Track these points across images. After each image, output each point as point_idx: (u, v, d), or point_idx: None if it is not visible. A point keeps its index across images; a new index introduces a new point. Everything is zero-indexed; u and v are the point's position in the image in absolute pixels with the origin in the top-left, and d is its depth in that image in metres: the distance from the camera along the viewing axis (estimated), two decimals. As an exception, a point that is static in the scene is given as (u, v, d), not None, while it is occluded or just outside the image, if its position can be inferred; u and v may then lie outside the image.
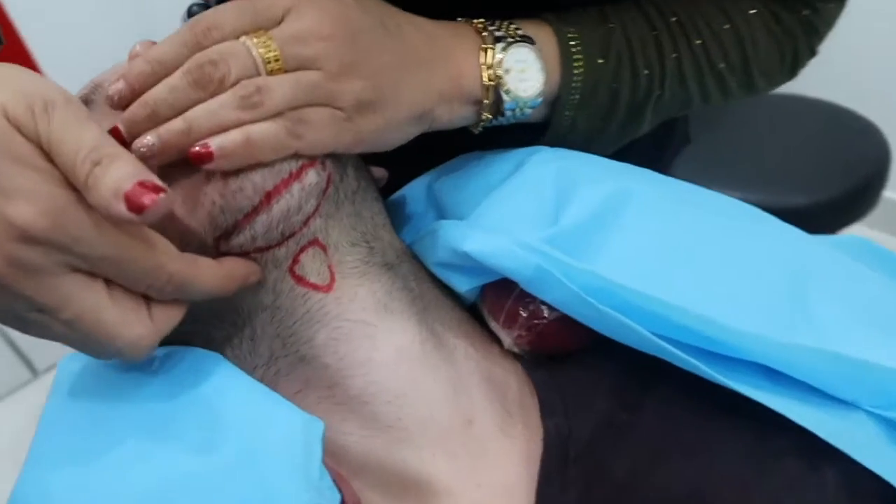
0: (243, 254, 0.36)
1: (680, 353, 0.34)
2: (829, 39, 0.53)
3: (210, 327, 0.38)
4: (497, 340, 0.42)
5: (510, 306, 0.39)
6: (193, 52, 0.34)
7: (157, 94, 0.33)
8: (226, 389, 0.35)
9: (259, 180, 0.34)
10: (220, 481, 0.31)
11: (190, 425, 0.33)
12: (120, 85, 0.34)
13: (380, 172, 0.48)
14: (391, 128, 0.38)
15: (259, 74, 0.34)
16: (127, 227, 0.30)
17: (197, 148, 0.33)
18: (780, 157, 1.36)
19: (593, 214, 0.38)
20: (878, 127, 1.36)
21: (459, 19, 0.43)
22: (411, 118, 0.38)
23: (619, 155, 0.46)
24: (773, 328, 0.35)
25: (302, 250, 0.37)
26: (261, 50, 0.34)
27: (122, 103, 0.34)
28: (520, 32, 0.42)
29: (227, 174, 0.34)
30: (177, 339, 0.39)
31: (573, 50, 0.43)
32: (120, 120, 0.33)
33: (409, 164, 0.48)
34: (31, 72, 0.31)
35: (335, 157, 0.38)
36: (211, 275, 0.33)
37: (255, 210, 0.34)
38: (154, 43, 0.37)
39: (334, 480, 0.31)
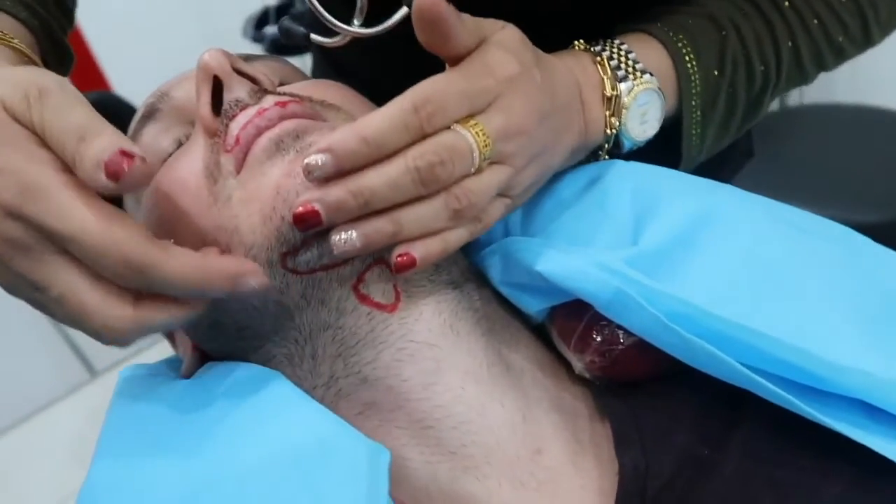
0: (310, 272, 0.34)
1: (771, 386, 0.32)
2: None
3: (270, 344, 0.37)
4: (566, 364, 0.39)
5: (582, 330, 0.37)
6: (415, 138, 0.32)
7: (376, 186, 0.31)
8: (286, 410, 0.33)
9: None
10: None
11: (249, 444, 0.32)
12: (324, 158, 0.31)
13: None
14: (531, 193, 0.39)
15: (472, 171, 0.33)
16: (99, 211, 0.29)
17: (401, 258, 0.33)
18: (849, 171, 1.30)
19: (677, 234, 0.36)
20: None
21: (577, 44, 0.43)
22: (546, 177, 0.39)
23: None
24: (874, 362, 0.32)
25: (367, 269, 0.35)
26: (482, 149, 0.32)
27: (321, 177, 0.32)
28: (639, 66, 0.41)
29: (304, 192, 0.33)
30: (237, 355, 0.39)
31: (689, 70, 0.42)
32: (319, 202, 0.31)
33: None
34: (32, 67, 0.32)
35: None
36: (180, 265, 0.30)
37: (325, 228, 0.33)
38: (223, 52, 0.37)
39: None
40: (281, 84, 0.42)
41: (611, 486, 0.34)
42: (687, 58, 0.42)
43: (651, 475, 0.34)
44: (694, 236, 0.36)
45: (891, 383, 0.31)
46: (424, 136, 0.32)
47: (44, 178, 0.29)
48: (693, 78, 0.43)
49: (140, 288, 0.30)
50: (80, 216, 0.28)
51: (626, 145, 0.42)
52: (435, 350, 0.36)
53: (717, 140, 0.46)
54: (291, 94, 0.38)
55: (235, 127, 0.35)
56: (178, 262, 0.30)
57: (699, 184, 0.40)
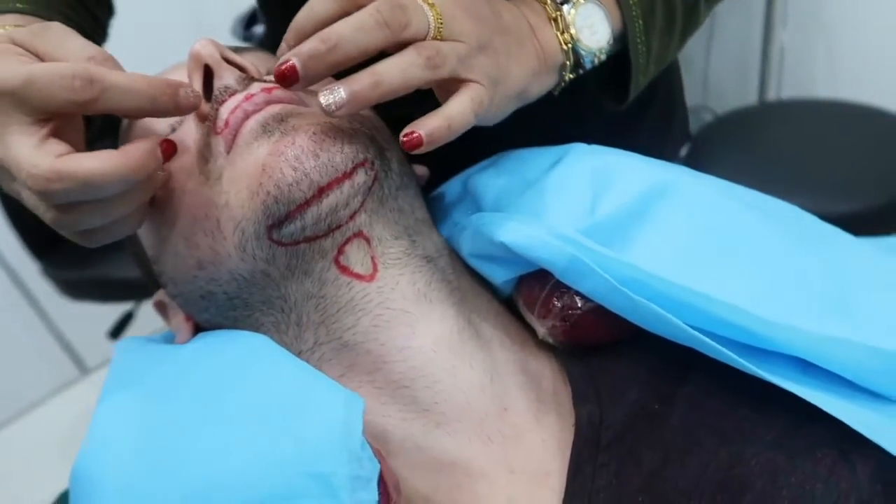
0: (294, 243, 0.37)
1: (714, 343, 0.35)
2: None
3: (258, 314, 0.40)
4: (532, 332, 0.43)
5: (545, 297, 0.40)
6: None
7: (342, 29, 0.33)
8: (272, 365, 0.36)
9: (316, 177, 0.36)
10: (262, 446, 0.32)
11: (237, 390, 0.35)
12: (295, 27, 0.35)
13: (421, 170, 0.50)
14: (500, 105, 0.40)
15: (429, 35, 0.35)
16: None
17: (408, 137, 0.35)
18: (825, 163, 1.34)
19: (630, 206, 0.39)
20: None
21: None
22: (514, 95, 0.41)
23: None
24: (809, 321, 0.35)
25: (347, 242, 0.39)
26: (436, 18, 0.36)
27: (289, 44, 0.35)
28: None
29: (287, 169, 0.36)
30: (228, 324, 0.42)
31: None
32: (295, 54, 0.33)
33: (449, 163, 0.49)
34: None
35: (382, 157, 0.40)
36: (129, 75, 0.33)
37: (307, 203, 0.36)
38: (213, 42, 0.40)
39: (374, 453, 0.32)
40: (268, 74, 0.45)
41: (569, 438, 0.37)
42: None
43: (605, 426, 0.37)
44: (646, 208, 0.39)
45: (821, 339, 0.34)
46: None
47: (26, 68, 0.32)
48: None
49: (92, 103, 0.32)
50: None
51: (587, 59, 0.44)
52: (409, 316, 0.39)
53: (662, 48, 0.49)
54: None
55: (225, 111, 0.38)
56: (126, 74, 0.33)
57: (654, 163, 0.43)
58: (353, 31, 0.34)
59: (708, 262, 0.38)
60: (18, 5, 0.45)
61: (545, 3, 0.44)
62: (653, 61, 0.49)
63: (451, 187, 0.51)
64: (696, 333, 0.35)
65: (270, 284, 0.39)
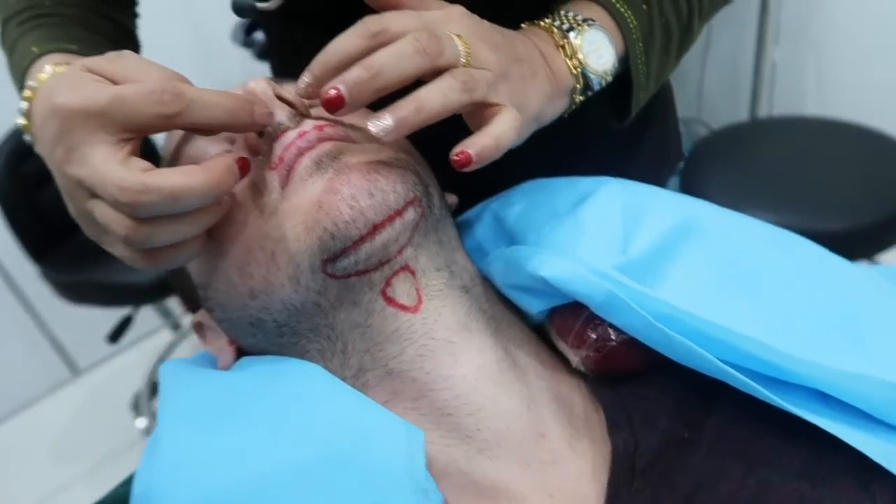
0: (345, 276, 0.39)
1: (742, 377, 0.37)
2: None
3: (305, 340, 0.42)
4: (562, 358, 0.45)
5: (579, 328, 0.42)
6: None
7: (383, 58, 0.35)
8: (331, 396, 0.38)
9: (371, 215, 0.38)
10: (327, 478, 0.34)
11: (299, 428, 0.37)
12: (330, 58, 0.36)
13: (452, 199, 0.52)
14: (523, 129, 0.42)
15: (460, 63, 0.38)
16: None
17: (458, 157, 0.36)
18: (816, 181, 1.37)
19: (661, 244, 0.42)
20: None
21: (524, 25, 0.49)
22: (532, 119, 0.43)
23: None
24: (829, 356, 0.38)
25: (394, 274, 0.41)
26: (461, 44, 0.38)
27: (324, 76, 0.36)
28: (579, 18, 0.47)
29: (343, 207, 0.38)
30: (273, 350, 0.43)
31: (621, 10, 0.48)
32: (340, 81, 0.35)
33: (472, 191, 0.51)
34: None
35: (427, 193, 0.42)
36: (210, 91, 0.36)
37: (362, 239, 0.38)
38: (267, 80, 0.41)
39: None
40: (311, 105, 0.47)
41: (604, 464, 0.40)
42: (616, 2, 0.48)
43: (639, 453, 0.39)
44: (674, 245, 0.42)
45: (840, 374, 0.37)
46: None
47: (107, 92, 0.34)
48: (627, 16, 0.48)
49: (179, 117, 0.34)
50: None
51: (595, 82, 0.47)
52: (452, 346, 0.41)
53: (661, 66, 0.52)
54: (325, 119, 0.42)
55: (279, 147, 0.40)
56: (206, 90, 0.35)
57: (680, 199, 0.46)
58: (394, 59, 0.36)
59: (734, 298, 0.40)
60: (72, 46, 0.47)
61: (552, 32, 0.47)
62: (652, 79, 0.51)
63: (479, 215, 0.53)
64: (727, 368, 0.37)
65: (319, 313, 0.41)
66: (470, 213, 0.54)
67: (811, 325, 0.40)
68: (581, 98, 0.48)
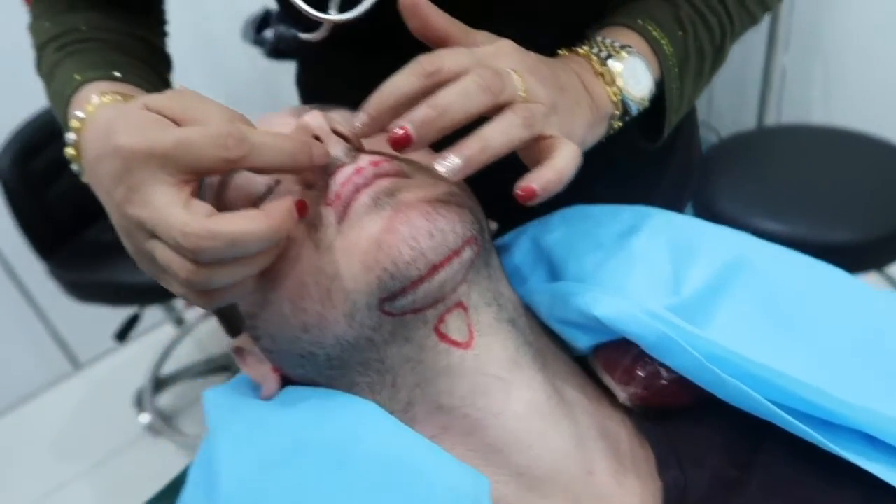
0: (401, 314, 0.39)
1: (792, 419, 0.37)
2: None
3: (355, 374, 0.42)
4: (606, 391, 0.45)
5: (627, 365, 0.43)
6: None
7: (449, 96, 0.36)
8: (393, 439, 0.38)
9: (431, 256, 0.38)
10: None
11: (360, 471, 0.37)
12: (410, 82, 0.37)
13: (492, 226, 0.52)
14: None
15: (518, 99, 0.38)
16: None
17: (523, 191, 0.37)
18: (824, 191, 1.37)
19: (711, 283, 0.42)
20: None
21: (561, 51, 0.49)
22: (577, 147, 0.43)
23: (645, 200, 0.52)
24: (877, 398, 0.38)
25: (448, 311, 0.41)
26: (518, 80, 0.38)
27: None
28: (616, 45, 0.48)
29: (404, 248, 0.38)
30: (321, 381, 0.43)
31: (658, 37, 0.49)
32: (408, 121, 0.35)
33: (501, 211, 0.52)
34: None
35: (482, 230, 0.42)
36: (268, 133, 0.36)
37: (421, 280, 0.38)
38: (322, 114, 0.41)
39: None
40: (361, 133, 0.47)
41: (653, 502, 0.40)
42: (652, 30, 0.49)
43: (689, 492, 0.39)
44: (725, 284, 0.42)
45: (889, 420, 0.37)
46: None
47: (169, 135, 0.35)
48: (663, 43, 0.49)
49: (242, 161, 0.35)
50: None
51: (633, 108, 0.48)
52: (503, 382, 0.41)
53: (694, 89, 0.53)
54: (380, 153, 0.42)
55: (336, 183, 0.40)
56: (268, 132, 0.36)
57: (727, 235, 0.46)
58: (459, 98, 0.36)
59: (781, 337, 0.41)
60: (114, 73, 0.48)
61: (590, 59, 0.48)
62: (685, 102, 0.52)
63: (516, 240, 0.53)
64: (778, 410, 0.37)
65: (371, 348, 0.41)
66: (506, 238, 0.54)
67: (858, 365, 0.40)
68: (619, 124, 0.48)
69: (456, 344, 0.41)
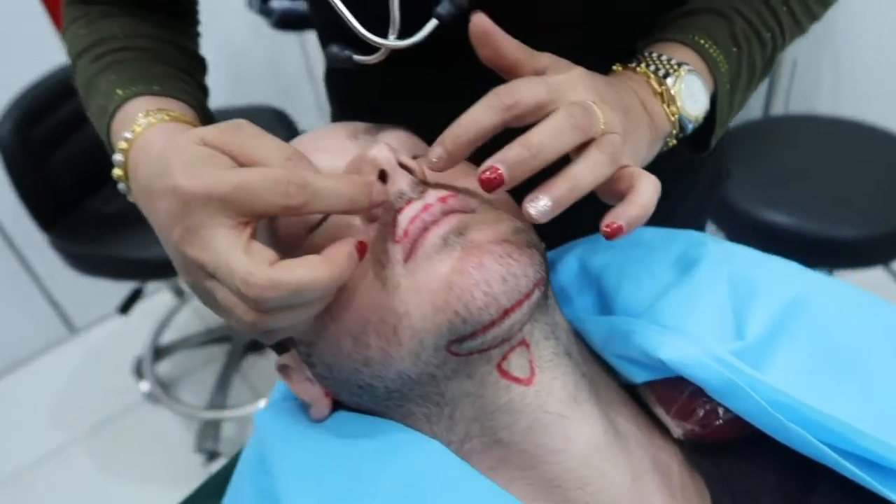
0: (467, 354, 0.39)
1: (847, 464, 0.38)
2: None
3: (413, 405, 0.42)
4: (656, 423, 0.46)
5: (684, 402, 0.43)
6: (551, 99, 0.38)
7: (542, 135, 0.36)
8: (465, 487, 0.39)
9: (504, 301, 0.38)
10: None
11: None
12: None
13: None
14: None
15: (602, 127, 0.38)
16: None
17: (609, 227, 0.37)
18: (830, 184, 1.38)
19: (771, 327, 0.42)
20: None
21: (615, 67, 0.49)
22: None
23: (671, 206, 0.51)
24: None
25: (512, 350, 0.41)
26: (600, 112, 0.39)
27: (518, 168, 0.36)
28: (674, 62, 0.48)
29: (477, 293, 0.37)
30: (379, 409, 0.44)
31: (714, 55, 0.49)
32: (501, 162, 0.35)
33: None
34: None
35: (546, 270, 0.42)
36: (328, 177, 0.36)
37: (492, 324, 0.38)
38: (390, 147, 0.41)
39: None
40: (415, 157, 0.46)
41: None
42: (707, 47, 0.49)
43: None
44: (784, 327, 0.42)
45: None
46: None
47: (225, 177, 0.34)
48: (719, 60, 0.49)
49: (303, 207, 0.35)
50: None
51: (689, 127, 0.48)
52: (565, 420, 0.41)
53: (742, 101, 0.53)
54: (445, 187, 0.42)
55: (404, 220, 0.40)
56: (326, 176, 0.36)
57: (786, 271, 0.46)
58: (552, 137, 0.36)
59: (840, 382, 0.41)
60: (155, 87, 0.47)
61: (648, 77, 0.47)
62: (733, 115, 0.52)
63: (561, 258, 0.53)
64: (835, 455, 0.38)
65: (433, 383, 0.41)
66: (551, 256, 0.54)
67: None
68: (674, 142, 0.48)
69: (517, 381, 0.41)
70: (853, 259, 1.35)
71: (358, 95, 0.62)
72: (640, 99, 0.47)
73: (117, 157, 0.44)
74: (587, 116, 0.37)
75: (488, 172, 0.35)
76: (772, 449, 0.42)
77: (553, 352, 0.43)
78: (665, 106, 0.47)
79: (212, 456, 1.63)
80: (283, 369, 0.49)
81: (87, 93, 0.51)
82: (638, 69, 0.49)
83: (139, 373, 1.90)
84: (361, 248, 0.37)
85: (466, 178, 0.44)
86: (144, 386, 1.87)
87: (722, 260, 0.46)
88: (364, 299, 0.40)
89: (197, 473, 1.63)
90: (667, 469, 0.44)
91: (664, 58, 0.48)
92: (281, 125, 1.71)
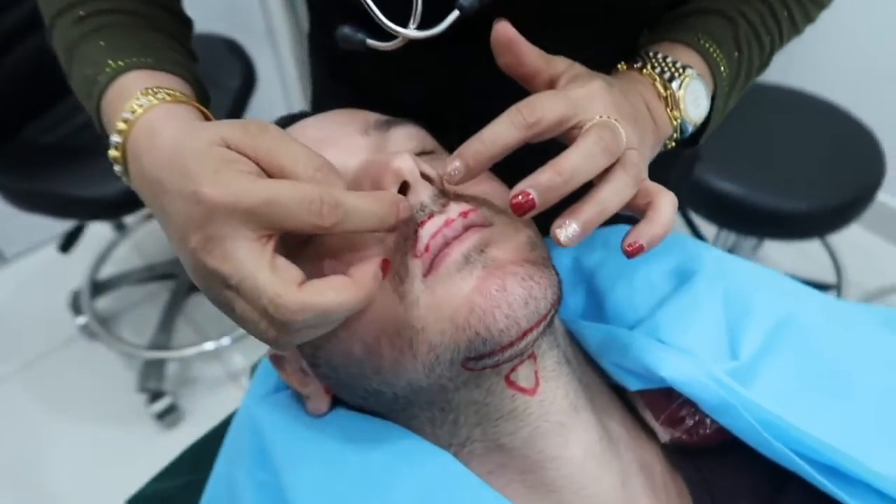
0: (481, 369, 0.40)
1: (815, 473, 0.41)
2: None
3: (417, 409, 0.43)
4: (642, 424, 0.48)
5: (673, 410, 0.45)
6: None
7: (574, 161, 0.36)
8: (452, 482, 0.40)
9: (524, 324, 0.38)
10: None
11: None
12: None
13: None
14: None
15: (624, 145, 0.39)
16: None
17: (632, 247, 0.38)
18: (780, 155, 1.42)
19: (761, 346, 0.45)
20: (873, 132, 1.44)
21: (620, 66, 0.50)
22: None
23: None
24: (885, 460, 0.42)
25: (522, 362, 0.42)
26: (623, 130, 0.39)
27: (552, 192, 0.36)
28: (678, 65, 0.48)
29: (500, 316, 0.37)
30: (382, 411, 0.44)
31: (716, 58, 0.50)
32: (534, 188, 0.36)
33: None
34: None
35: (561, 287, 0.42)
36: (361, 195, 0.36)
37: (511, 344, 0.38)
38: (412, 157, 0.40)
39: None
40: (423, 153, 0.46)
41: None
42: (712, 51, 0.50)
43: None
44: (774, 345, 0.45)
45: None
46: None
47: (248, 186, 0.33)
48: (721, 64, 0.50)
49: (335, 226, 0.34)
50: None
51: (689, 130, 0.49)
52: (565, 428, 0.43)
53: (735, 101, 0.55)
54: (465, 198, 0.41)
55: (426, 235, 0.39)
56: (356, 195, 0.35)
57: (778, 286, 0.48)
58: (585, 162, 0.37)
59: (820, 400, 0.44)
60: (149, 60, 0.45)
61: (654, 80, 0.48)
62: (725, 114, 0.53)
63: (556, 257, 0.53)
64: (807, 466, 0.41)
65: (441, 392, 0.41)
66: None
67: (876, 427, 0.44)
68: (673, 144, 0.49)
69: (522, 390, 0.42)
70: (794, 231, 1.41)
71: (351, 72, 0.60)
72: (645, 102, 0.47)
73: (115, 138, 0.41)
74: (615, 139, 0.38)
75: (520, 197, 0.35)
76: (747, 454, 0.45)
77: (556, 361, 0.44)
78: (669, 110, 0.48)
79: (155, 396, 1.61)
80: (275, 359, 0.49)
81: (69, 57, 0.47)
82: (644, 71, 0.49)
83: (76, 308, 1.84)
84: (385, 267, 0.37)
85: (481, 182, 0.44)
86: (81, 320, 1.81)
87: (717, 276, 0.48)
88: (380, 311, 0.39)
89: (140, 412, 1.61)
90: (651, 469, 0.46)
91: (669, 60, 0.48)
92: (233, 55, 1.63)
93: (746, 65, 0.53)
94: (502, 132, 0.37)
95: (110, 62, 0.44)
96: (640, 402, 0.48)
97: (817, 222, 1.37)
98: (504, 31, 0.41)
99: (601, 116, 0.40)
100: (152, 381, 1.63)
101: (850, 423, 0.43)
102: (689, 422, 0.45)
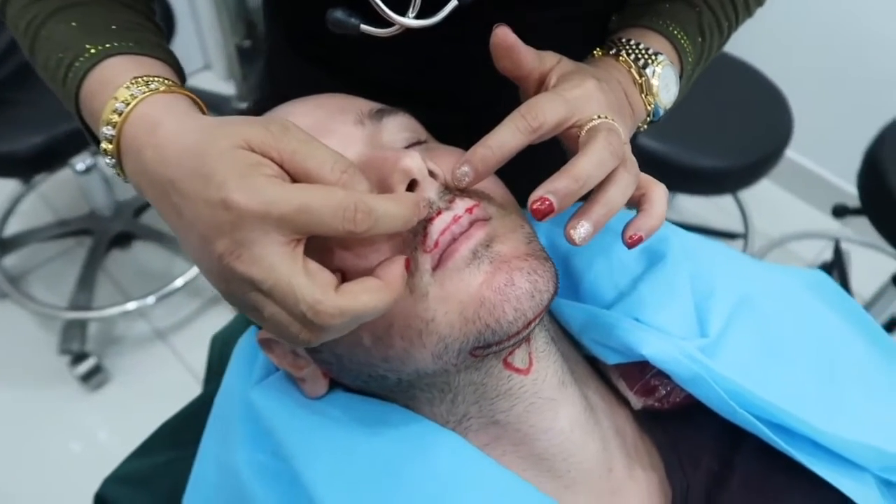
0: (484, 356, 0.43)
1: (768, 432, 0.46)
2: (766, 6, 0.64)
3: (417, 390, 0.45)
4: (614, 391, 0.52)
5: (647, 380, 0.50)
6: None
7: (589, 167, 0.39)
8: (465, 464, 0.43)
9: (530, 315, 0.41)
10: None
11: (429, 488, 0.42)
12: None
13: None
14: None
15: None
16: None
17: (633, 238, 0.42)
18: (699, 113, 1.48)
19: (725, 324, 0.50)
20: (782, 92, 1.54)
21: (596, 52, 0.53)
22: None
23: None
24: (823, 416, 0.48)
25: (519, 346, 0.44)
26: (621, 130, 0.42)
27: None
28: (651, 51, 0.51)
29: (509, 309, 0.40)
30: (383, 393, 0.46)
31: (684, 44, 0.54)
32: (552, 194, 0.38)
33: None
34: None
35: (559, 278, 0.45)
36: (390, 198, 0.37)
37: (517, 334, 0.41)
38: (421, 156, 0.41)
39: None
40: (417, 143, 0.47)
41: (657, 495, 0.49)
42: (680, 38, 0.54)
43: (692, 492, 0.48)
44: (735, 322, 0.50)
45: (830, 436, 0.47)
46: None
47: (275, 191, 0.34)
48: (687, 50, 0.54)
49: (366, 232, 0.35)
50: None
51: (660, 114, 0.53)
52: (555, 403, 0.46)
53: (697, 78, 0.59)
54: (467, 193, 0.43)
55: (435, 232, 0.41)
56: (383, 199, 0.36)
57: (737, 267, 0.54)
58: (598, 169, 0.39)
59: (773, 368, 0.49)
60: (130, 44, 0.44)
61: (629, 67, 0.51)
62: (685, 94, 0.57)
63: None
64: (763, 427, 0.46)
65: (444, 376, 0.44)
66: None
67: (816, 388, 0.50)
68: (645, 127, 0.52)
69: (518, 370, 0.45)
70: (710, 187, 1.50)
71: (313, 44, 0.59)
72: (623, 89, 0.50)
73: (107, 130, 0.40)
74: (620, 143, 0.41)
75: (539, 203, 0.37)
76: (706, 416, 0.50)
77: (545, 341, 0.47)
78: (643, 96, 0.51)
79: (78, 357, 1.56)
80: (265, 343, 0.49)
81: (32, 36, 0.45)
82: (619, 58, 0.51)
83: (-19, 265, 1.73)
84: (408, 265, 0.38)
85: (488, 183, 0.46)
86: (-13, 280, 1.71)
87: (683, 258, 0.52)
88: (393, 306, 0.41)
89: (63, 375, 1.56)
90: (623, 432, 0.51)
91: (641, 46, 0.51)
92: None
93: (707, 49, 0.56)
94: (508, 137, 0.39)
95: (88, 46, 0.42)
96: (615, 373, 0.52)
97: (732, 179, 1.46)
98: (504, 36, 0.43)
99: (599, 116, 0.42)
100: (74, 343, 1.57)
101: (795, 387, 0.49)
102: (662, 391, 0.49)
